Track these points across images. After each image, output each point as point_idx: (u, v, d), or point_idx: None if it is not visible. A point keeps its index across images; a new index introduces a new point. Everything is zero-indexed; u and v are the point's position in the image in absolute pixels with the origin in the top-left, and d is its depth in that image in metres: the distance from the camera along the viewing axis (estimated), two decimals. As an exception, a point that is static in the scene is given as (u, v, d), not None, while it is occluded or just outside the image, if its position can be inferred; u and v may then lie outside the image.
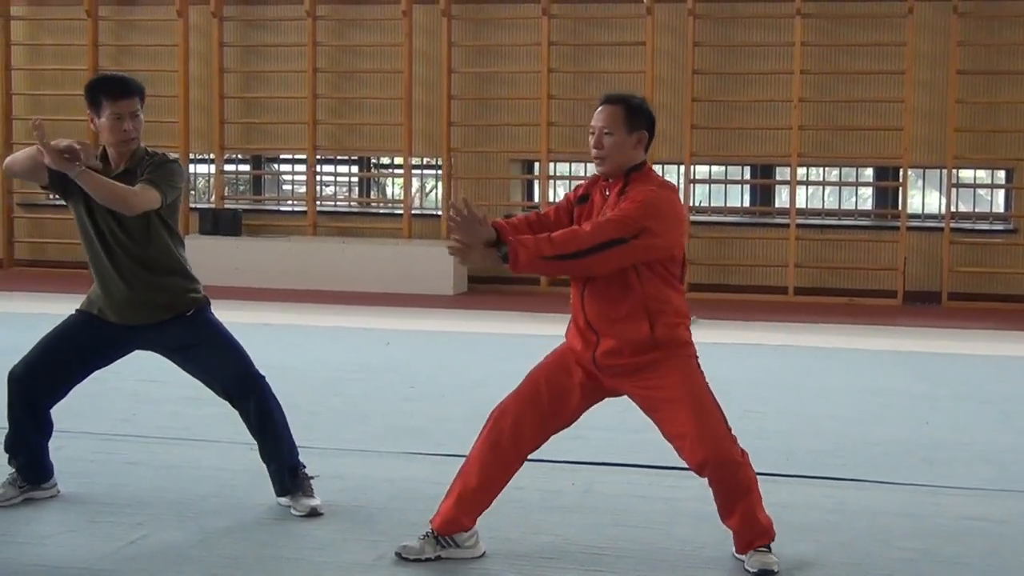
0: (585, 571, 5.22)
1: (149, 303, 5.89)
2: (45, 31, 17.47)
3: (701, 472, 5.19)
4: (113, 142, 5.83)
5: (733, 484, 5.19)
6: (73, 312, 6.06)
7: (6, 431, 6.03)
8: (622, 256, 5.06)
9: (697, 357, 5.30)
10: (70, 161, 5.57)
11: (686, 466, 6.27)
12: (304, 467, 6.07)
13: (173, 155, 6.08)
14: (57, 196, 5.95)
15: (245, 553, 5.41)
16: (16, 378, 5.90)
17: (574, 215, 5.35)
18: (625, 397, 5.36)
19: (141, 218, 5.83)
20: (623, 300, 5.16)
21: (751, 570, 5.22)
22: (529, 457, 6.77)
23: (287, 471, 6.00)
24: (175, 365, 6.10)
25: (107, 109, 5.78)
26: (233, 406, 6.01)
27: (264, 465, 6.06)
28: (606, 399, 5.46)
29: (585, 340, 5.25)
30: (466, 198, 5.14)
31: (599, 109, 5.27)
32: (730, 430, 5.22)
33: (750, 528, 5.27)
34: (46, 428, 6.05)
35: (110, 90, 5.80)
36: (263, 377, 5.96)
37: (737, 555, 5.34)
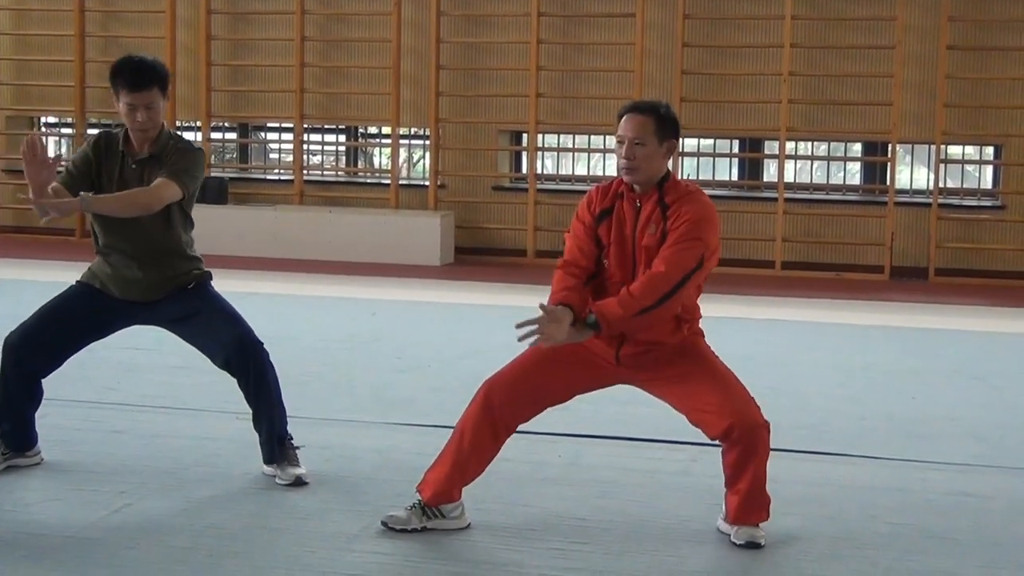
0: (570, 543, 5.21)
1: (157, 284, 5.89)
2: (32, -4, 17.38)
3: (728, 437, 5.17)
4: (129, 129, 5.79)
5: (755, 448, 5.18)
6: (73, 283, 6.02)
7: None
8: (697, 280, 5.19)
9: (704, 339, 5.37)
10: (64, 206, 5.60)
11: (672, 439, 6.29)
12: (291, 437, 6.05)
13: (198, 143, 6.04)
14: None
15: (230, 522, 5.40)
16: (12, 346, 5.87)
17: (598, 235, 5.25)
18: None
19: (180, 212, 5.89)
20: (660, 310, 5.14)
21: (738, 542, 5.22)
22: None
23: (276, 440, 5.98)
24: (176, 337, 6.06)
25: (123, 98, 5.73)
26: (232, 374, 5.97)
27: (255, 433, 6.04)
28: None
29: (607, 341, 5.23)
30: (547, 305, 5.06)
31: (627, 118, 5.22)
32: (754, 399, 5.25)
33: (756, 495, 5.25)
34: (37, 397, 6.04)
35: (126, 79, 5.71)
36: (262, 344, 5.94)
37: (723, 527, 5.33)
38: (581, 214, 5.32)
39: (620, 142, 5.22)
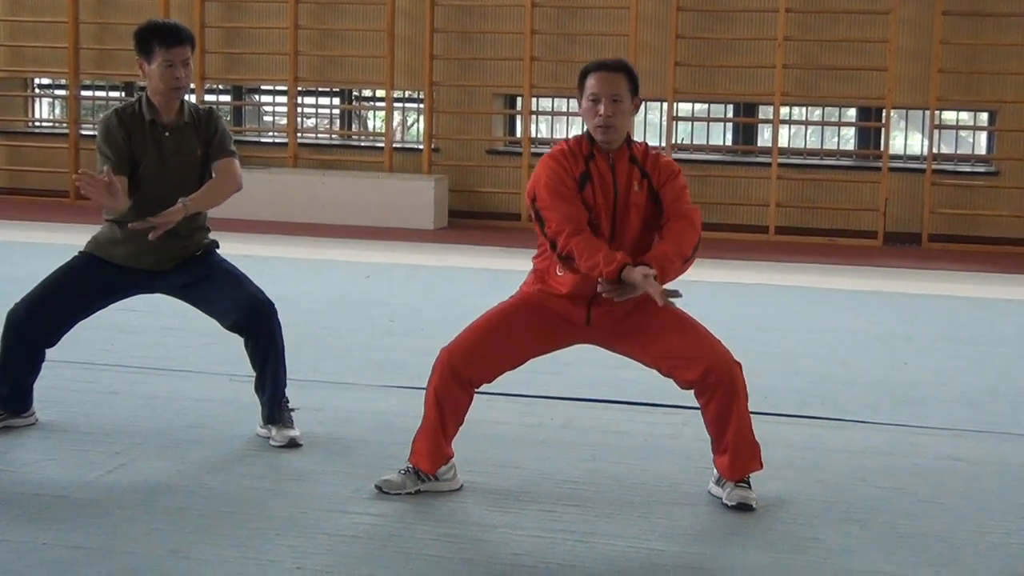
0: (562, 506, 5.23)
1: (172, 253, 5.90)
2: (25, -43, 17.31)
3: (705, 381, 5.18)
4: (163, 89, 5.77)
5: (734, 390, 5.20)
6: (77, 254, 6.02)
7: None
8: None
9: None
10: (172, 216, 5.67)
11: (663, 403, 6.31)
12: (287, 399, 6.07)
13: (215, 109, 6.10)
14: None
15: (224, 483, 5.42)
16: (18, 320, 5.88)
17: (583, 199, 5.20)
18: None
19: (199, 179, 5.91)
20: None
21: (729, 503, 5.24)
22: (508, 392, 6.81)
23: (277, 401, 6.01)
24: (183, 303, 6.07)
25: (159, 56, 5.72)
26: (241, 335, 5.96)
27: (250, 395, 6.06)
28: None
29: (579, 302, 5.25)
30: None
31: (600, 75, 5.19)
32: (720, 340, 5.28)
33: (745, 445, 5.27)
34: (38, 365, 6.07)
35: (164, 36, 5.74)
36: (273, 304, 5.95)
37: (714, 490, 5.36)
38: (560, 183, 5.17)
39: (594, 100, 5.17)
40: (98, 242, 5.98)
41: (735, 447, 5.28)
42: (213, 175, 5.94)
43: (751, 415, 5.34)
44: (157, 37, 5.75)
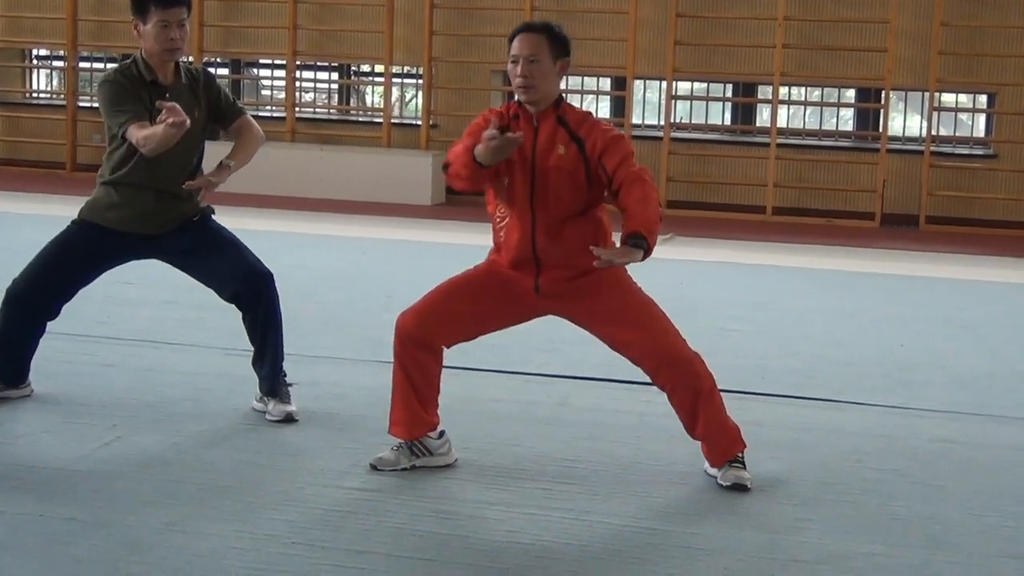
0: (557, 484, 5.24)
1: (169, 215, 5.88)
2: (23, -73, 17.25)
3: (658, 376, 5.22)
4: (157, 50, 5.72)
5: (691, 383, 5.19)
6: (71, 223, 5.98)
7: None
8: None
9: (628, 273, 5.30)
10: (221, 176, 5.75)
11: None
12: (285, 374, 6.06)
13: (208, 69, 6.10)
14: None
15: (219, 457, 5.42)
16: (17, 295, 5.86)
17: None
18: None
19: (200, 142, 5.96)
20: (577, 230, 5.18)
21: (724, 484, 5.25)
22: (505, 369, 6.82)
23: (276, 374, 6.00)
24: (176, 270, 6.06)
25: (155, 16, 5.68)
26: (239, 307, 5.96)
27: (252, 368, 6.06)
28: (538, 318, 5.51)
29: (523, 270, 5.25)
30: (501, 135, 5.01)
31: (520, 37, 5.19)
32: (679, 333, 5.24)
33: (719, 434, 5.28)
34: (38, 338, 6.06)
35: None
36: (272, 274, 5.95)
37: (709, 470, 5.37)
38: (476, 130, 5.18)
39: (514, 62, 5.18)
40: (93, 207, 5.94)
41: (708, 438, 5.30)
42: (235, 135, 6.06)
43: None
44: None
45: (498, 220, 5.32)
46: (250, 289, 5.90)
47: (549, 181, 5.15)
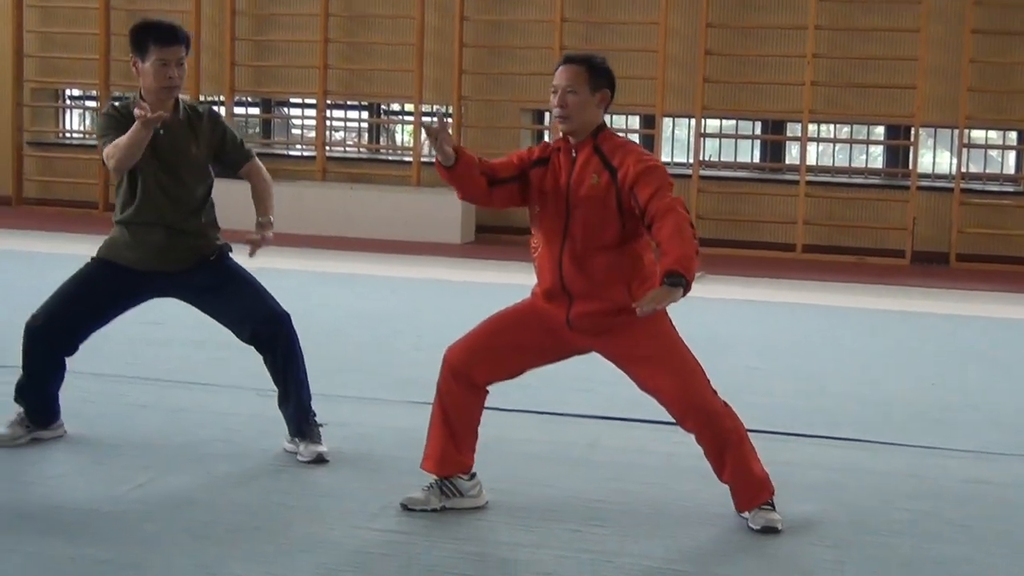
0: (588, 525, 5.23)
1: (182, 253, 5.91)
2: (58, -31, 17.40)
3: (684, 425, 5.22)
4: (155, 88, 5.79)
5: (719, 434, 5.19)
6: (90, 260, 6.03)
7: (19, 375, 6.02)
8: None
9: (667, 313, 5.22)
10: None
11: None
12: (315, 414, 6.07)
13: (215, 108, 6.17)
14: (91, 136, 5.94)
15: (250, 498, 5.43)
16: (35, 330, 5.88)
17: (530, 177, 5.27)
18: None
19: (205, 178, 5.99)
20: (607, 263, 5.17)
21: (754, 527, 5.23)
22: (536, 409, 6.82)
23: (303, 414, 6.01)
24: (199, 311, 6.09)
25: (153, 54, 5.75)
26: (258, 349, 5.99)
27: (278, 410, 6.07)
28: (576, 356, 5.50)
29: (556, 302, 5.25)
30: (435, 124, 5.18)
31: (560, 69, 5.25)
32: (709, 382, 5.23)
33: (745, 481, 5.26)
34: (60, 374, 6.06)
35: (159, 35, 5.77)
36: (289, 316, 5.96)
37: (740, 513, 5.35)
38: (528, 152, 5.37)
39: (553, 92, 5.24)
40: (110, 246, 5.99)
41: (734, 486, 5.29)
42: (247, 179, 6.16)
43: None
44: (152, 35, 5.78)
45: (532, 250, 5.36)
46: (267, 331, 5.92)
47: (581, 211, 5.17)
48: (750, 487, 5.27)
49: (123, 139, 5.56)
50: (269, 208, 6.09)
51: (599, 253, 5.16)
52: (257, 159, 6.19)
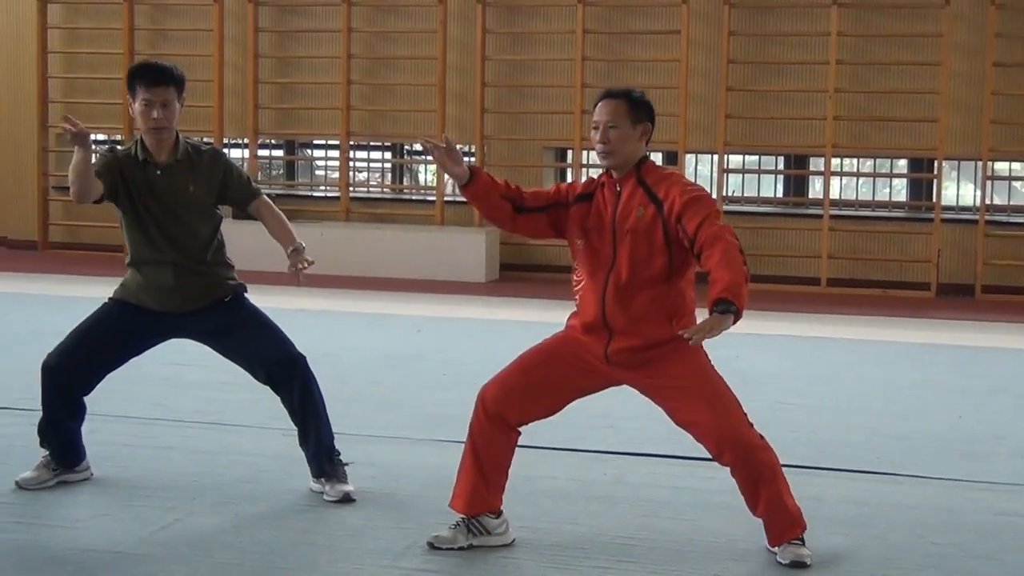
0: (616, 562, 5.21)
1: (192, 292, 5.93)
2: (82, 14, 17.49)
3: (721, 459, 5.20)
4: (144, 129, 5.87)
5: (754, 468, 5.18)
6: (106, 300, 6.06)
7: (40, 416, 6.04)
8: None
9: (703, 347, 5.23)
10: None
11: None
12: (339, 453, 6.07)
13: (219, 149, 6.20)
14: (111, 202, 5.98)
15: (278, 538, 5.42)
16: (51, 368, 5.90)
17: (571, 212, 5.30)
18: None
19: (209, 217, 6.00)
20: (651, 297, 5.18)
21: (783, 562, 5.20)
22: (562, 447, 6.80)
23: (324, 453, 6.01)
24: (215, 352, 6.10)
25: (140, 95, 5.83)
26: (275, 390, 6.01)
27: (301, 449, 6.07)
28: (608, 389, 5.50)
29: (595, 336, 5.24)
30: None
31: (600, 104, 5.27)
32: (746, 415, 5.22)
33: (779, 516, 5.24)
34: (79, 414, 6.07)
35: (144, 76, 5.85)
36: (305, 358, 5.97)
37: (770, 548, 5.32)
38: (571, 186, 5.39)
39: (595, 128, 5.26)
40: (125, 287, 6.03)
41: (768, 520, 5.27)
42: (259, 218, 6.17)
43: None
44: (139, 77, 5.85)
45: (575, 284, 5.35)
46: (283, 373, 5.94)
47: (627, 245, 5.18)
48: (784, 521, 5.25)
49: (71, 169, 5.64)
50: (292, 237, 6.10)
51: (644, 288, 5.17)
52: (266, 197, 6.19)
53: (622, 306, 5.17)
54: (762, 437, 5.21)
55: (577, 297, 5.35)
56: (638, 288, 5.17)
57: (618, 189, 5.25)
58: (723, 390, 5.23)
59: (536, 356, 5.37)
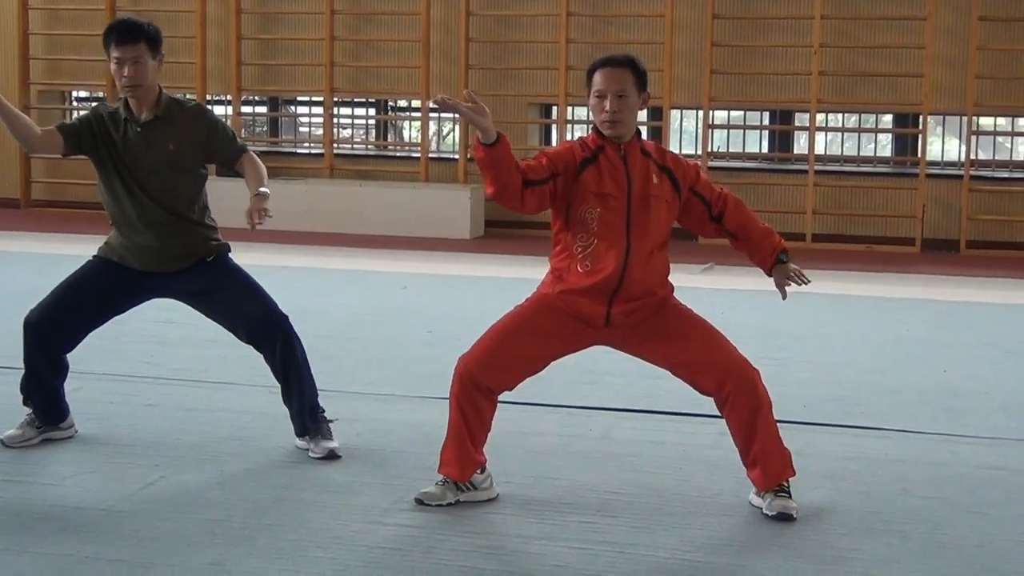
0: (600, 516, 5.22)
1: (175, 252, 5.90)
2: (62, -30, 17.41)
3: (721, 391, 5.21)
4: (119, 87, 5.83)
5: (755, 397, 5.20)
6: (90, 257, 6.04)
7: (22, 373, 6.03)
8: None
9: None
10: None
11: (703, 412, 6.28)
12: (323, 410, 6.07)
13: (203, 105, 6.14)
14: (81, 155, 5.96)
15: (263, 495, 5.42)
16: (32, 323, 5.88)
17: (582, 179, 5.22)
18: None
19: (191, 177, 5.94)
20: (661, 259, 5.32)
21: (770, 514, 5.22)
22: (547, 403, 6.81)
23: (308, 411, 6.00)
24: (199, 312, 6.09)
25: (112, 54, 5.80)
26: (257, 349, 6.00)
27: (285, 407, 6.07)
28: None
29: (599, 299, 5.24)
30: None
31: (606, 72, 5.20)
32: (738, 349, 5.32)
33: (774, 454, 5.26)
34: (61, 371, 6.05)
35: (114, 34, 5.82)
36: (287, 317, 5.96)
37: (754, 501, 5.34)
38: (564, 153, 5.27)
39: (600, 96, 5.20)
40: (109, 245, 6.01)
41: (764, 458, 5.27)
42: (242, 171, 6.01)
43: (779, 423, 5.32)
44: (110, 35, 5.82)
45: (577, 250, 5.28)
46: (265, 333, 5.93)
47: (648, 210, 5.22)
48: (777, 462, 5.28)
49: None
50: (261, 181, 5.88)
51: (656, 249, 5.28)
52: (252, 152, 6.07)
53: (644, 268, 5.22)
54: (756, 370, 5.28)
55: (583, 264, 5.25)
56: (655, 250, 5.26)
57: (622, 153, 5.24)
58: (714, 329, 5.35)
59: (516, 326, 5.32)
